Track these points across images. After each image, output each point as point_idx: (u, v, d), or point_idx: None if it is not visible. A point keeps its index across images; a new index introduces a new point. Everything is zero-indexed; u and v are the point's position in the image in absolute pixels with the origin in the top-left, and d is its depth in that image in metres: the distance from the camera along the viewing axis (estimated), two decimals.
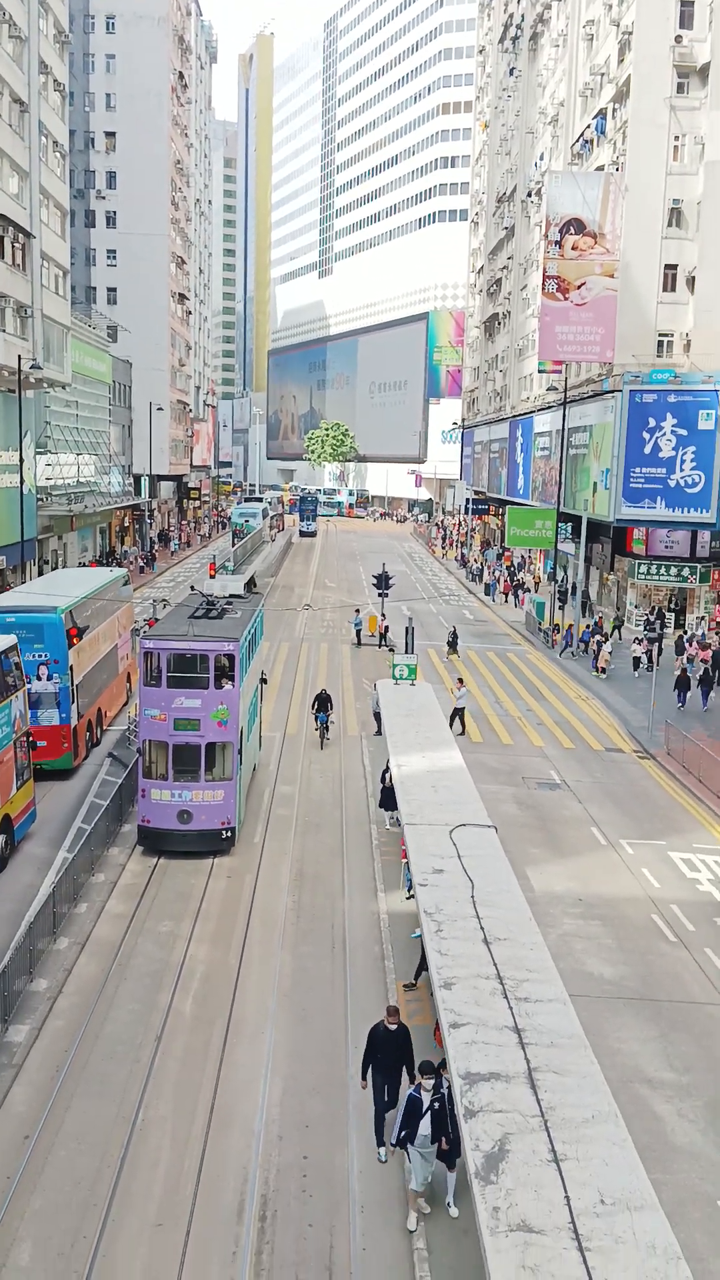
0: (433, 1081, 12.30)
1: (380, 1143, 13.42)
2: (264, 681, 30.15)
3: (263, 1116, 13.96)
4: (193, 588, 32.19)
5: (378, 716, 29.00)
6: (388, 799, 23.40)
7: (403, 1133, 12.38)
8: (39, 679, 26.16)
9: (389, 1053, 13.72)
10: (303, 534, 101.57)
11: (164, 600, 42.21)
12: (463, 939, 13.33)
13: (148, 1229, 11.97)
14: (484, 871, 15.32)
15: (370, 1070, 13.83)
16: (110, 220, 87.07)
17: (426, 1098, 12.30)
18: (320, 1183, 12.79)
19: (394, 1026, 13.80)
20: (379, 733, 30.01)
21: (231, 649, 22.36)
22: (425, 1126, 12.26)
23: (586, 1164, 9.38)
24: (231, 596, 28.14)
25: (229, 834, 22.40)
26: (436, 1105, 12.20)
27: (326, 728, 30.70)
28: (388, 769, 22.10)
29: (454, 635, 44.92)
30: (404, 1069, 13.75)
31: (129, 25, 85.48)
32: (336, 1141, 13.56)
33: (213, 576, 39.41)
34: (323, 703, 30.86)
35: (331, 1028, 16.12)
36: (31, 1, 47.67)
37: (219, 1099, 14.30)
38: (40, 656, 26.22)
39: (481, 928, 13.61)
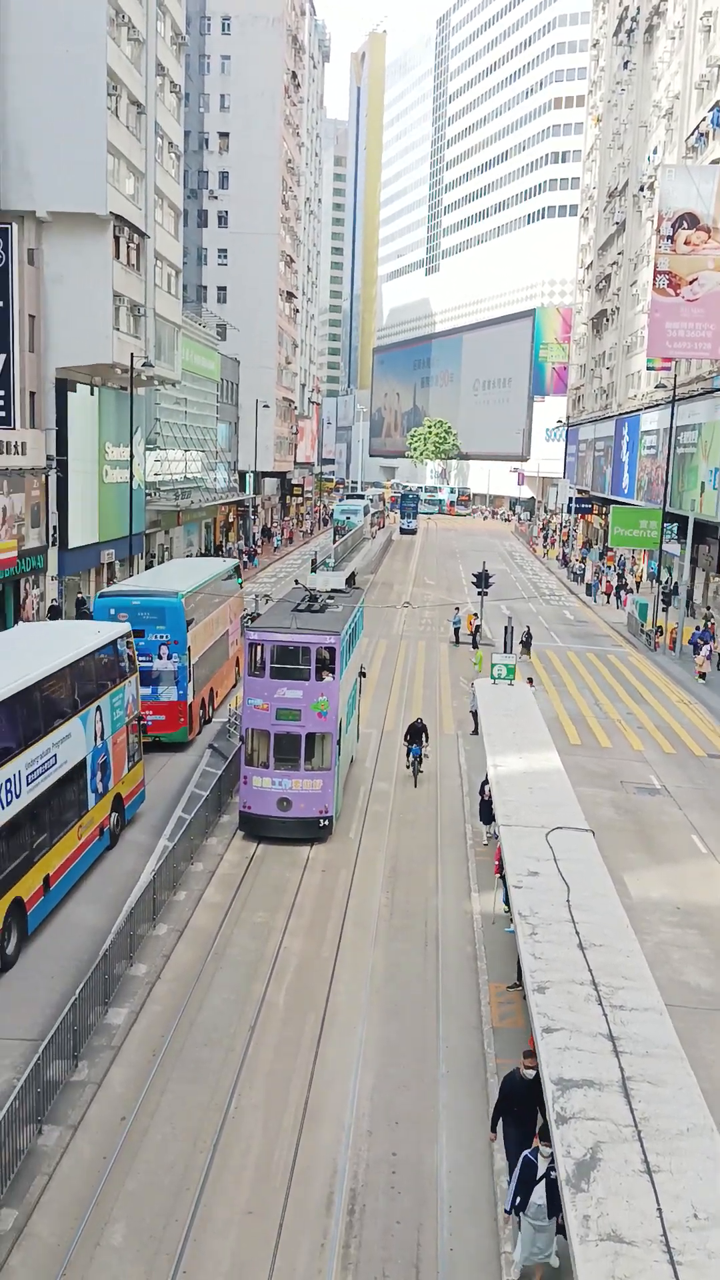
0: (550, 1150, 10.66)
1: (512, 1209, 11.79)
2: (363, 675, 30.38)
3: (353, 1110, 14.05)
4: (296, 582, 32.75)
5: (475, 715, 29.02)
6: (486, 812, 22.48)
7: (516, 1199, 11.32)
8: (160, 658, 28.21)
9: (527, 1104, 12.40)
10: (403, 531, 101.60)
11: (266, 595, 42.65)
12: (557, 943, 13.22)
13: (238, 1216, 12.16)
14: (580, 876, 15.17)
15: (502, 1122, 12.74)
16: (222, 220, 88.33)
17: (543, 1164, 11.15)
18: (409, 1180, 12.83)
19: (532, 1073, 12.30)
20: (475, 731, 29.94)
21: (332, 642, 22.89)
22: (540, 1195, 11.10)
23: (680, 1177, 9.23)
24: (333, 591, 28.80)
25: (326, 822, 22.83)
26: (554, 1174, 10.46)
27: (420, 761, 27.26)
28: (487, 781, 21.66)
29: (528, 635, 44.05)
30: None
31: (244, 26, 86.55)
32: (426, 1139, 13.58)
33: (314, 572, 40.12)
34: (416, 734, 27.26)
35: (423, 1025, 16.14)
36: (150, 4, 48.59)
37: (310, 1091, 14.45)
38: (161, 637, 28.23)
39: (577, 932, 13.48)
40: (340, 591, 29.56)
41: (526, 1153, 11.47)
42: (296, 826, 22.65)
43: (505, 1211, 11.85)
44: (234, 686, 34.12)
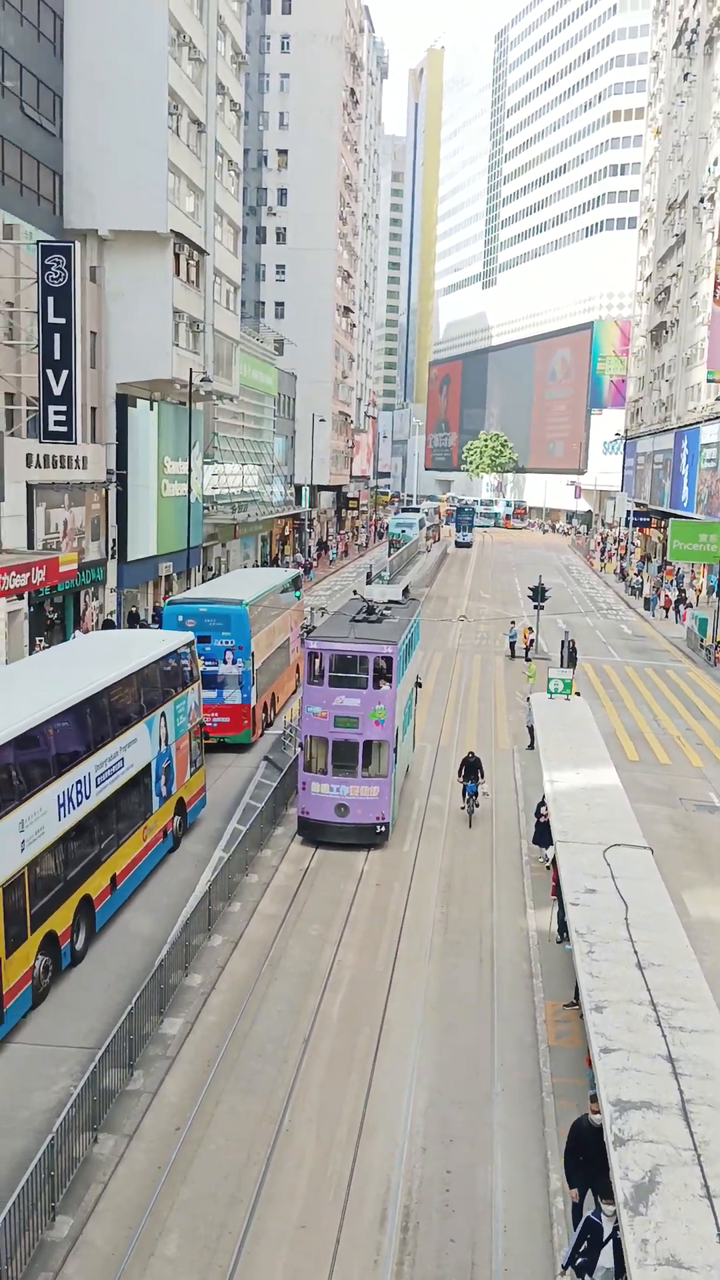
0: (613, 1208, 9.81)
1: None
2: (419, 685, 30.55)
3: (407, 1127, 13.96)
4: (354, 593, 33.12)
5: (531, 730, 28.87)
6: (542, 835, 21.62)
7: (579, 1260, 10.72)
8: (225, 663, 29.53)
9: (596, 1151, 11.36)
10: (459, 545, 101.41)
11: (322, 609, 42.79)
12: (615, 962, 13.05)
13: (291, 1229, 12.13)
14: (638, 894, 14.97)
15: (565, 1166, 12.23)
16: (280, 236, 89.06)
17: (608, 1225, 10.49)
18: (463, 1198, 12.72)
19: (599, 1119, 11.22)
20: (531, 746, 29.74)
21: (390, 651, 23.32)
22: (607, 1258, 10.45)
23: None
24: (390, 602, 29.62)
25: (383, 828, 23.18)
26: (620, 1235, 9.55)
27: (475, 799, 25.03)
28: (543, 803, 21.27)
29: (572, 647, 42.09)
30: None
31: (303, 44, 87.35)
32: (480, 1158, 13.45)
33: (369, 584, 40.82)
34: (471, 769, 25.17)
35: (477, 1043, 16.01)
36: (211, 24, 49.24)
37: (364, 1105, 14.38)
38: (227, 643, 29.58)
39: (635, 951, 13.30)
40: (397, 603, 30.31)
41: (590, 1214, 10.92)
42: (353, 832, 23.01)
43: (562, 1267, 11.29)
44: (294, 692, 34.45)
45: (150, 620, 43.77)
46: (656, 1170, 9.39)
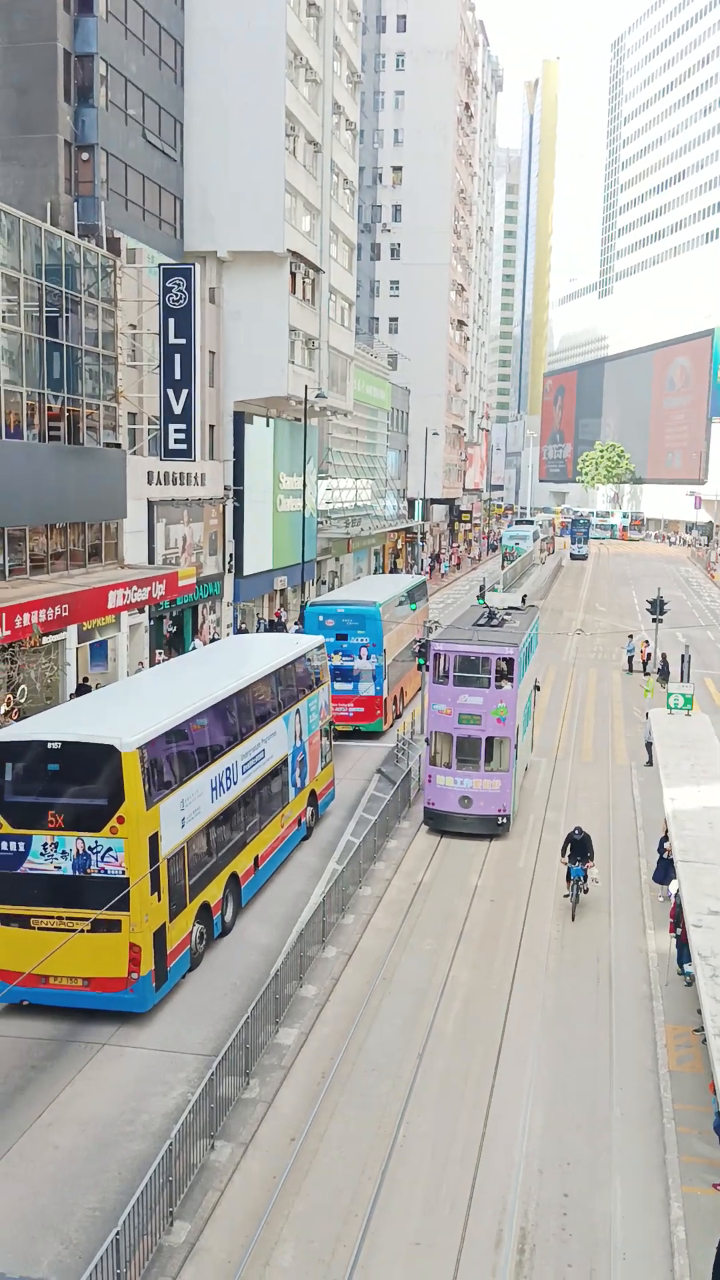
0: None
1: None
2: (537, 689, 31.25)
3: (523, 1148, 13.76)
4: (479, 597, 34.25)
5: (649, 746, 28.39)
6: (664, 872, 21.08)
7: None
8: (360, 658, 32.52)
9: None
10: (574, 557, 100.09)
11: (435, 622, 42.72)
12: None
13: (405, 1246, 12.05)
14: None
15: None
16: (394, 252, 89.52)
17: None
18: (581, 1223, 12.46)
19: None
20: (649, 763, 29.16)
21: (511, 653, 24.75)
22: None
23: None
24: (510, 608, 31.74)
25: (505, 820, 24.47)
26: None
27: (584, 884, 20.80)
28: (666, 837, 20.55)
29: (664, 663, 40.92)
30: None
31: (418, 61, 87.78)
32: (598, 1183, 13.17)
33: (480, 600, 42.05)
34: (578, 848, 20.97)
35: (595, 1065, 15.69)
36: (327, 45, 49.92)
37: (478, 1125, 14.23)
38: (362, 640, 32.65)
39: None
40: (516, 609, 32.36)
41: None
42: (477, 823, 24.38)
43: None
44: (420, 688, 35.37)
45: (288, 627, 44.90)
46: None
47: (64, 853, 16.03)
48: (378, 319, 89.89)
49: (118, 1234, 10.57)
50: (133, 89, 38.12)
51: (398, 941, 19.44)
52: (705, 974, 13.04)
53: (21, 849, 16.15)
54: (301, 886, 21.96)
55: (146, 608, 35.49)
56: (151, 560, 37.33)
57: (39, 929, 16.09)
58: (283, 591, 50.54)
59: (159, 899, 16.44)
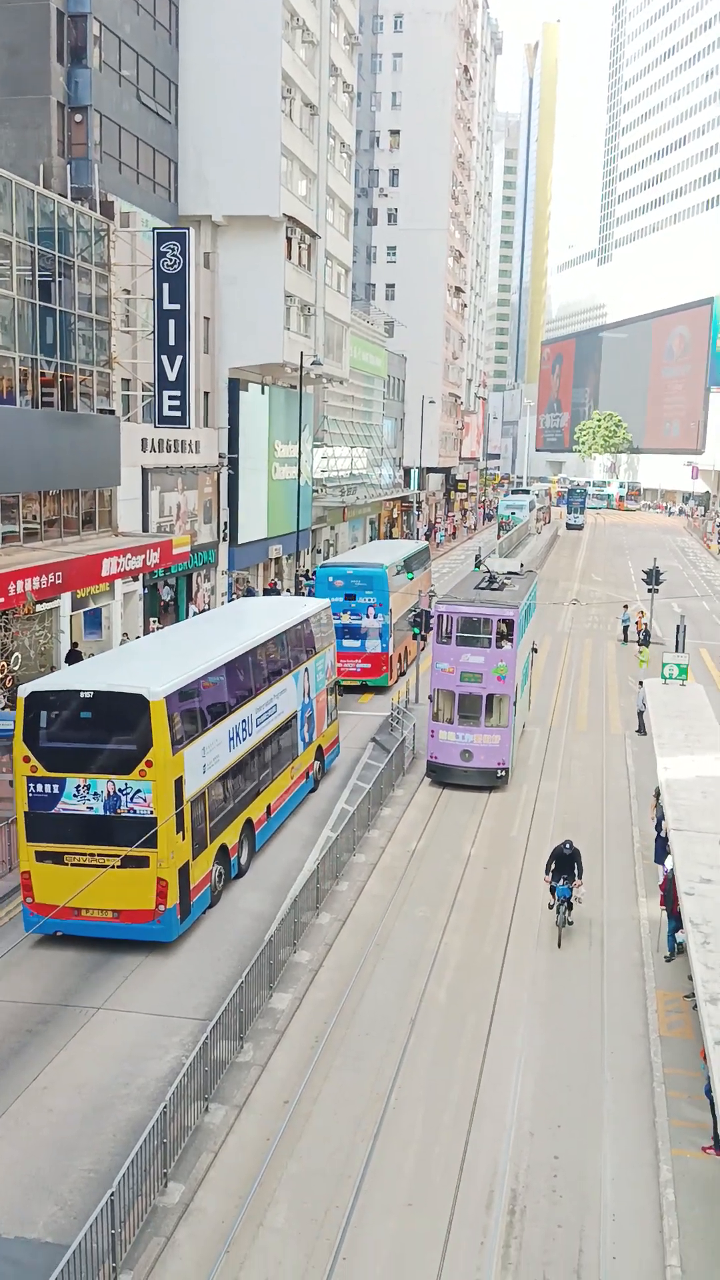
0: None
1: None
2: (535, 651, 32.38)
3: (514, 1110, 13.90)
4: (478, 562, 34.98)
5: (641, 715, 28.75)
6: (661, 850, 19.47)
7: None
8: (368, 617, 34.31)
9: None
10: (570, 527, 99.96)
11: (433, 591, 42.65)
12: None
13: (397, 1207, 12.19)
14: None
15: None
16: (391, 217, 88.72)
17: None
18: (571, 1184, 12.61)
19: None
20: (641, 730, 29.30)
21: (511, 615, 26.02)
22: None
23: None
24: (509, 573, 32.81)
25: (503, 773, 25.68)
26: None
27: (569, 906, 18.44)
28: (663, 816, 19.36)
29: (646, 632, 40.87)
30: None
31: (417, 23, 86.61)
32: (589, 1144, 13.31)
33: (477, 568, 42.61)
34: (564, 863, 18.58)
35: (587, 1030, 15.83)
36: (324, 6, 49.18)
37: (470, 1088, 14.36)
38: (369, 600, 34.41)
39: None
40: (515, 574, 33.41)
41: None
42: (477, 775, 25.60)
43: None
44: (422, 649, 35.57)
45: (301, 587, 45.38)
46: None
47: (96, 794, 17.12)
48: (374, 285, 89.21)
49: (112, 1195, 10.67)
50: (126, 50, 37.56)
51: (391, 908, 19.55)
52: (697, 940, 13.13)
53: (56, 791, 17.21)
54: (296, 854, 22.05)
55: (141, 576, 35.39)
56: (146, 528, 37.18)
57: (72, 865, 17.17)
58: (277, 560, 50.41)
59: (183, 838, 17.64)
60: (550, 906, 18.93)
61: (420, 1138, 13.36)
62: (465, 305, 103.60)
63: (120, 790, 17.00)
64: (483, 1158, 13.02)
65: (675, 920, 17.12)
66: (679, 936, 16.87)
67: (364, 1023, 15.80)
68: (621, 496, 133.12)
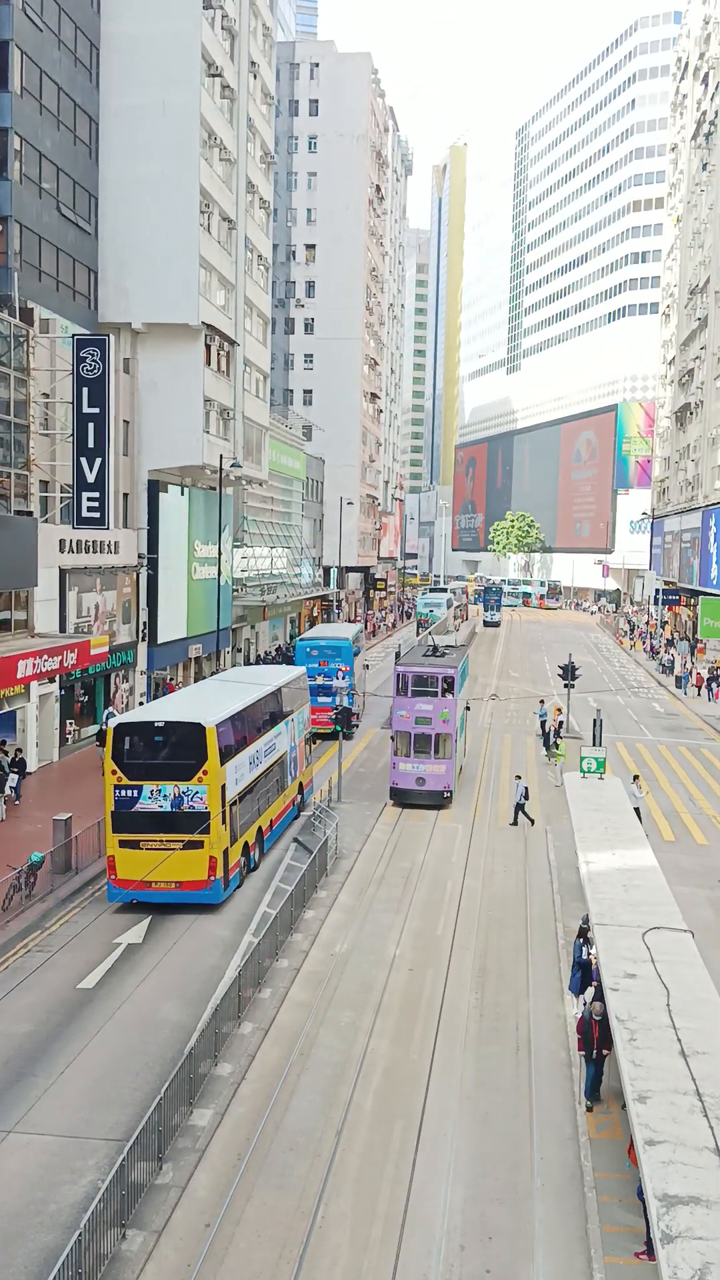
0: None
1: None
2: (468, 709, 39.27)
3: (444, 1223, 13.49)
4: (398, 657, 36.78)
5: (518, 808, 31.53)
6: (582, 978, 18.55)
7: None
8: (337, 679, 42.42)
9: None
10: (487, 624, 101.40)
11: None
12: (658, 1050, 12.68)
13: None
14: (680, 979, 14.59)
15: None
16: (308, 326, 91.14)
17: None
18: None
19: None
20: (514, 823, 31.48)
21: (451, 673, 33.44)
22: None
23: None
24: (447, 646, 40.14)
25: (448, 795, 32.93)
26: None
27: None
28: (585, 940, 18.53)
29: (558, 726, 42.01)
30: None
31: (330, 144, 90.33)
32: (521, 1256, 12.94)
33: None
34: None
35: (516, 1135, 15.51)
36: (241, 127, 51.07)
37: (400, 1201, 13.91)
38: (338, 665, 43.15)
39: (679, 1039, 12.92)
40: (451, 647, 40.99)
41: None
42: (428, 796, 32.73)
43: None
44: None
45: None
46: (706, 1269, 8.99)
47: (165, 796, 23.23)
48: (293, 391, 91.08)
49: None
50: (47, 163, 38.47)
51: (315, 1014, 19.10)
52: (623, 1038, 13.04)
53: (135, 795, 23.23)
54: (215, 961, 21.49)
55: (57, 677, 34.91)
56: (63, 629, 36.81)
57: (146, 849, 23.11)
58: (198, 659, 50.17)
59: (225, 830, 23.68)
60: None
61: (348, 1257, 12.86)
62: (381, 411, 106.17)
63: (183, 792, 23.13)
64: (412, 1274, 12.56)
65: (594, 1066, 16.10)
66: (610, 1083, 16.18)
67: (288, 1136, 15.29)
68: (543, 595, 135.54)
